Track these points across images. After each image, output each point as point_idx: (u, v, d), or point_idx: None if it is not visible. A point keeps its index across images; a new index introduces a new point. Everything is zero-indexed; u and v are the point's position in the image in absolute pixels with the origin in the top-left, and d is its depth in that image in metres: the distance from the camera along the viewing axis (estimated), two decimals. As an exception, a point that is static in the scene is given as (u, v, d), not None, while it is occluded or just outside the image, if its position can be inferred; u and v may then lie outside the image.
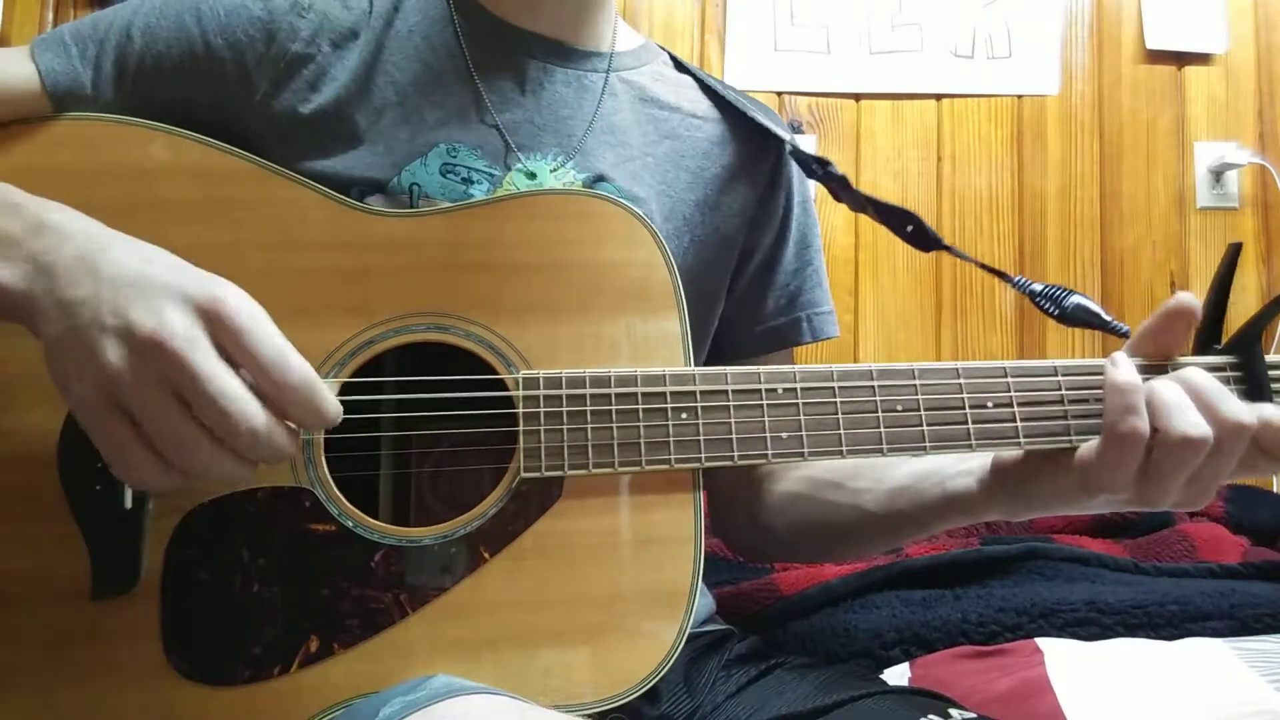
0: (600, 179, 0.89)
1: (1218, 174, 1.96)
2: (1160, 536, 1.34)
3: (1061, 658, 0.97)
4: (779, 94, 1.95)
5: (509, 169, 0.86)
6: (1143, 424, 0.68)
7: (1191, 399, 0.69)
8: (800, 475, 0.95)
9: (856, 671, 0.92)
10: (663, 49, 1.03)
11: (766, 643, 0.98)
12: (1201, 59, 2.00)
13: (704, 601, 0.98)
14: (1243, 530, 1.37)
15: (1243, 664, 0.94)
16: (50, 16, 1.86)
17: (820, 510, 0.92)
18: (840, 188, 0.96)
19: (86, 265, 0.60)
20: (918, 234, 0.94)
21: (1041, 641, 1.02)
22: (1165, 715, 0.88)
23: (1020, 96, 1.98)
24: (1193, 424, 0.67)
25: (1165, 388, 0.70)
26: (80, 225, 0.64)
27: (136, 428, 0.58)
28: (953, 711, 0.78)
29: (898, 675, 1.01)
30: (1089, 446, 0.71)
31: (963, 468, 0.82)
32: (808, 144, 1.93)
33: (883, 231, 1.00)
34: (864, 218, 0.98)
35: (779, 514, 0.96)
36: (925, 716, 0.76)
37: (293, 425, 0.61)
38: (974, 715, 0.77)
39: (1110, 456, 0.69)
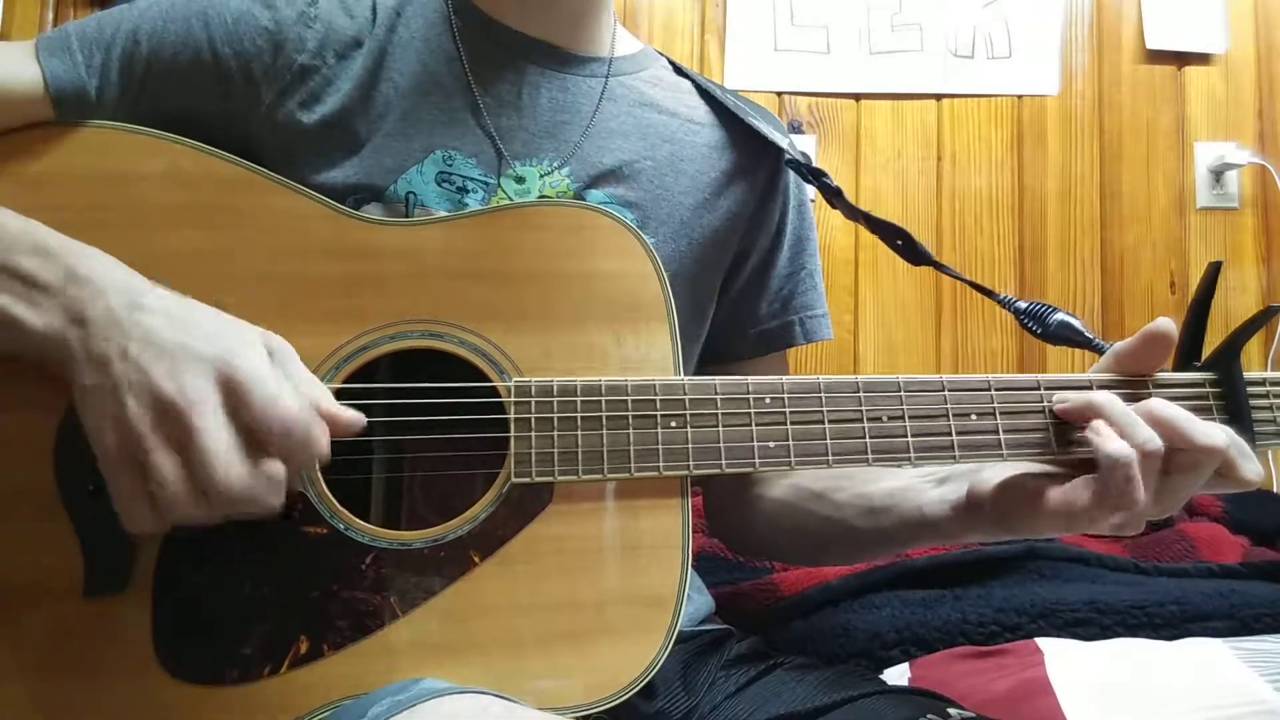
0: (596, 183, 0.89)
1: (1218, 174, 1.96)
2: (1160, 536, 1.34)
3: (1061, 658, 0.97)
4: (779, 94, 1.95)
5: (501, 176, 0.86)
6: (1141, 493, 0.68)
7: (1154, 426, 0.70)
8: (788, 484, 0.96)
9: (856, 671, 0.92)
10: (661, 54, 1.03)
11: (766, 643, 0.98)
12: (1201, 59, 1.99)
13: (703, 601, 0.99)
14: (1243, 530, 1.37)
15: (1242, 664, 0.94)
16: (50, 16, 1.86)
17: (804, 520, 0.93)
18: (835, 198, 0.97)
19: (118, 321, 0.63)
20: (907, 248, 0.95)
21: (1041, 641, 1.02)
22: (1165, 715, 0.88)
23: (1020, 96, 1.98)
24: (1148, 438, 0.69)
25: (1110, 403, 0.71)
26: (112, 276, 0.66)
27: (145, 480, 0.61)
28: (952, 711, 0.78)
29: (897, 675, 1.01)
30: (1072, 495, 0.72)
31: (939, 495, 0.83)
32: (808, 144, 1.93)
33: (882, 231, 1.00)
34: (865, 216, 0.99)
35: (766, 519, 0.97)
36: (924, 716, 0.77)
37: (277, 477, 0.64)
38: (973, 715, 0.77)
39: (1103, 516, 0.70)
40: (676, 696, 0.86)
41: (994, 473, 0.79)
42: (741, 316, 1.01)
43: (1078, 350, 1.93)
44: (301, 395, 0.64)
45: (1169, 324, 0.74)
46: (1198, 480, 0.70)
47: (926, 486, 0.85)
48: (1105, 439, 0.70)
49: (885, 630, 1.06)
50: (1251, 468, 0.71)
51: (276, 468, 0.63)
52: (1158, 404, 0.71)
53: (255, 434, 0.62)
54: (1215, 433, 0.69)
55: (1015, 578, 1.17)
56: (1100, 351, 0.81)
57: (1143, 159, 1.97)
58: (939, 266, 0.94)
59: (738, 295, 1.00)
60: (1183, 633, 1.04)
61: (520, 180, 0.87)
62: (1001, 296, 0.91)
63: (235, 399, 0.62)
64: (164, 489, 0.60)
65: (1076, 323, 0.86)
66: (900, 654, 1.04)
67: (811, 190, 1.04)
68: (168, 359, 0.61)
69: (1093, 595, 1.09)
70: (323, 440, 0.64)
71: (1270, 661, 0.94)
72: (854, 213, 0.97)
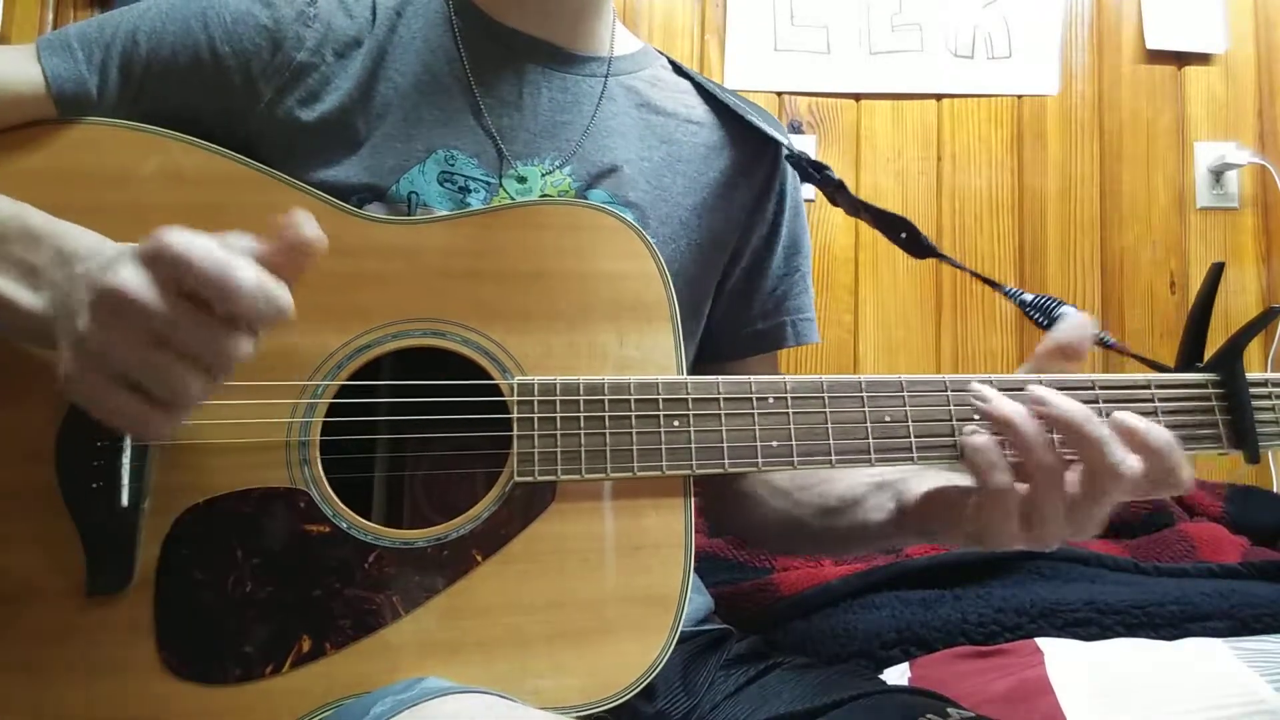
0: (596, 183, 0.89)
1: (1218, 174, 1.95)
2: (1160, 536, 1.34)
3: (1061, 658, 0.97)
4: (779, 94, 1.95)
5: (503, 176, 0.86)
6: (1004, 477, 0.69)
7: (1076, 443, 0.69)
8: (760, 480, 0.97)
9: (856, 671, 0.92)
10: (661, 53, 1.04)
11: (766, 642, 0.98)
12: (1201, 59, 1.99)
13: (703, 601, 0.99)
14: (1243, 530, 1.37)
15: (1242, 664, 0.94)
16: (50, 16, 1.86)
17: (773, 515, 0.95)
18: (837, 192, 0.97)
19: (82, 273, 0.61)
20: (912, 241, 0.95)
21: (1041, 641, 1.02)
22: (1165, 715, 0.88)
23: (1020, 96, 1.98)
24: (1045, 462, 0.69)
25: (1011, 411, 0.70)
26: (86, 244, 0.64)
27: (135, 388, 0.58)
28: (951, 711, 0.78)
29: (897, 675, 1.01)
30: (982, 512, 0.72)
31: (877, 503, 0.84)
32: (807, 144, 1.93)
33: (883, 231, 1.00)
34: (864, 217, 0.99)
35: (745, 512, 0.98)
36: (924, 716, 0.77)
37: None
38: (973, 715, 0.77)
39: (987, 516, 0.71)
40: (676, 697, 0.86)
41: (920, 482, 0.80)
42: (734, 316, 1.01)
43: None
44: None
45: (1071, 335, 0.76)
46: (1107, 505, 0.69)
47: (870, 491, 0.86)
48: (968, 438, 0.71)
49: (885, 630, 1.06)
50: (1183, 478, 0.70)
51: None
52: (1084, 423, 0.69)
53: (212, 304, 0.57)
54: (1131, 462, 0.68)
55: (1015, 578, 1.17)
56: (1104, 345, 0.82)
57: (1143, 159, 1.97)
58: (944, 258, 0.94)
59: (731, 294, 1.00)
60: (1183, 633, 1.04)
61: (522, 180, 0.87)
62: (1008, 289, 0.91)
63: (171, 273, 0.57)
64: (152, 379, 0.58)
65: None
66: (900, 654, 1.04)
67: (810, 190, 1.04)
68: (96, 261, 0.60)
69: (1093, 595, 1.09)
70: (281, 292, 0.58)
71: (1270, 661, 0.94)
72: (857, 206, 0.96)
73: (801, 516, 0.91)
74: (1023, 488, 0.69)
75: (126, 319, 0.57)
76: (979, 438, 0.71)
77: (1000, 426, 0.70)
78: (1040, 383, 0.75)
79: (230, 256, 0.57)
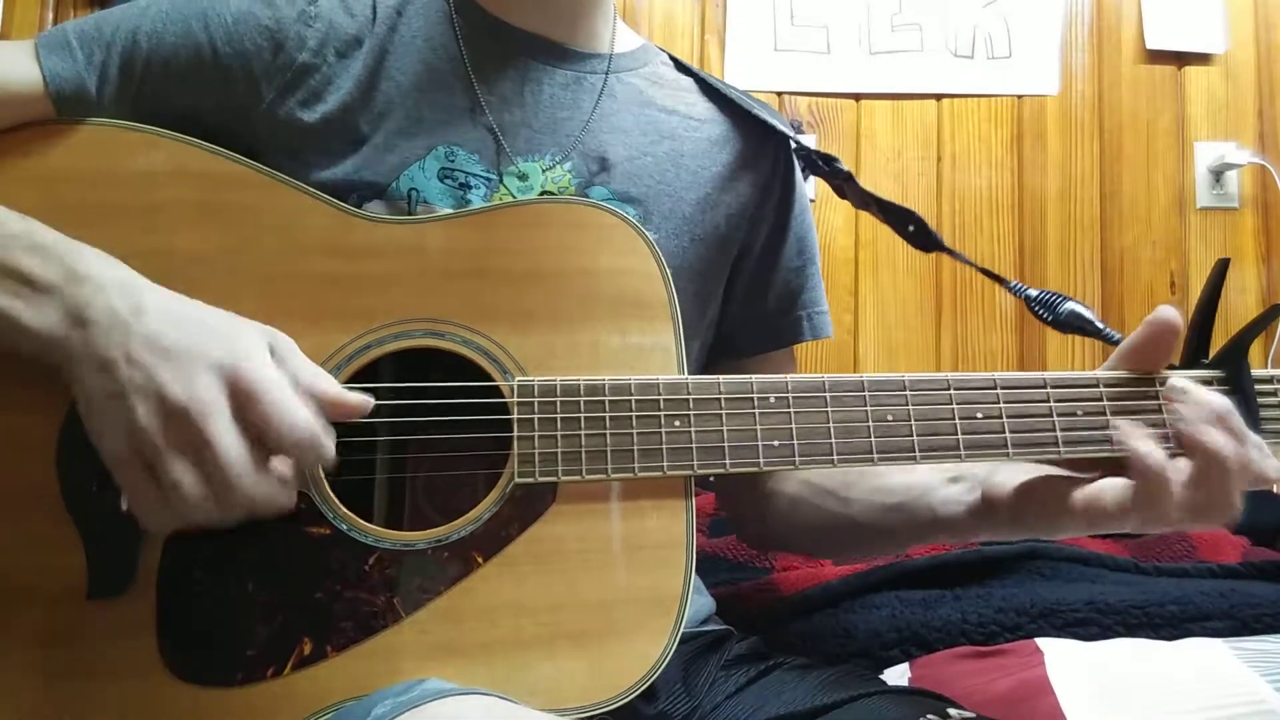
0: (596, 179, 0.89)
1: (1218, 174, 1.95)
2: (1160, 536, 1.34)
3: (1061, 658, 0.97)
4: (779, 94, 1.95)
5: (504, 172, 0.86)
6: (1165, 473, 0.70)
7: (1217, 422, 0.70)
8: (801, 479, 0.96)
9: (856, 672, 0.92)
10: (662, 50, 1.04)
11: (766, 643, 0.98)
12: (1201, 59, 1.99)
13: (704, 601, 0.99)
14: (1243, 530, 1.37)
15: (1242, 664, 0.94)
16: (50, 16, 1.86)
17: (817, 516, 0.94)
18: (845, 184, 0.97)
19: (121, 322, 0.63)
20: (919, 234, 0.95)
21: (1041, 641, 1.02)
22: (1165, 715, 0.88)
23: (1020, 96, 1.98)
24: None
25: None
26: (111, 275, 0.66)
27: (156, 480, 0.62)
28: (951, 711, 0.78)
29: (897, 675, 1.01)
30: (1098, 497, 0.72)
31: (952, 495, 0.84)
32: (807, 144, 1.93)
33: (883, 231, 1.00)
34: (864, 218, 0.99)
35: (780, 516, 0.97)
36: (924, 717, 0.77)
37: (286, 478, 0.65)
38: (973, 715, 0.77)
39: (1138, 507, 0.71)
40: (677, 697, 0.86)
41: (1010, 475, 0.79)
42: (747, 311, 1.01)
43: (1077, 351, 1.93)
44: (306, 394, 0.65)
45: (1172, 313, 0.74)
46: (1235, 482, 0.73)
47: (938, 484, 0.85)
48: (1140, 443, 0.71)
49: (885, 630, 1.06)
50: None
51: (286, 470, 0.64)
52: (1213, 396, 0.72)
53: (264, 439, 0.63)
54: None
55: (1015, 578, 1.17)
56: (1110, 341, 0.81)
57: (1142, 159, 1.97)
58: (950, 252, 0.94)
59: (744, 289, 1.00)
60: (1183, 633, 1.04)
61: (523, 177, 0.87)
62: (1012, 284, 0.91)
63: (243, 403, 0.62)
64: (178, 493, 0.61)
65: (1087, 312, 0.86)
66: (900, 654, 1.04)
67: (810, 190, 1.04)
68: (174, 363, 0.62)
69: (1093, 595, 1.09)
70: (329, 444, 0.65)
71: (1270, 661, 0.94)
72: (865, 199, 0.96)
73: (855, 515, 0.90)
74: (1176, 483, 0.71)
75: (184, 435, 0.61)
76: (1141, 434, 0.71)
77: (1204, 457, 0.71)
78: (1045, 383, 0.75)
79: (291, 410, 0.63)
